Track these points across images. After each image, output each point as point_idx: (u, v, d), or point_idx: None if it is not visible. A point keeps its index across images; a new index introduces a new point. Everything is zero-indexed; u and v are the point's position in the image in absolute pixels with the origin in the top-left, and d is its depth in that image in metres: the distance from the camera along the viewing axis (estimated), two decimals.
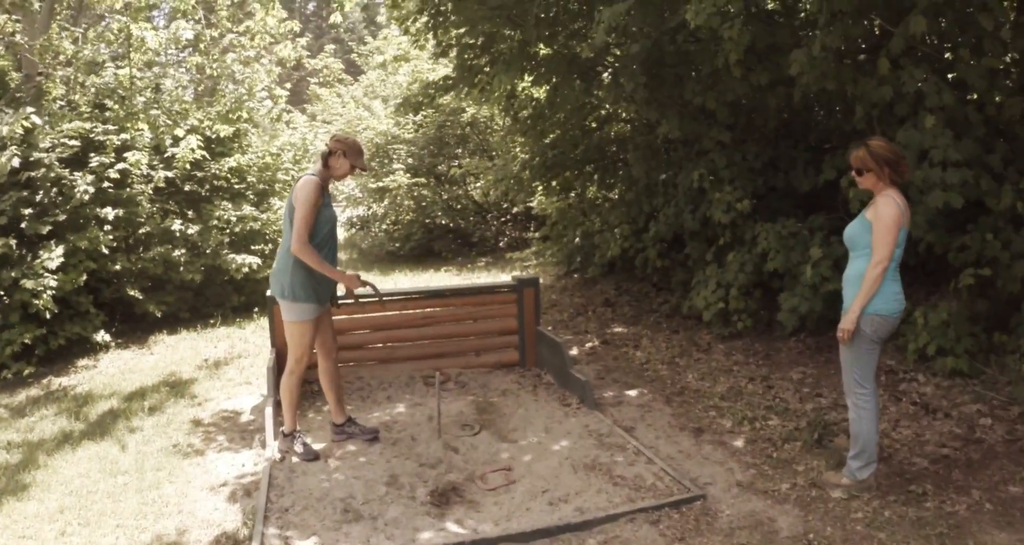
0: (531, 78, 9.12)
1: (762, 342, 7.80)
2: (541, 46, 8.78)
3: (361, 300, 5.85)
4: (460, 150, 16.88)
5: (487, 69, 8.92)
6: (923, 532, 4.30)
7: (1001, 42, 5.79)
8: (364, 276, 5.61)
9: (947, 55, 6.36)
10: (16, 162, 8.19)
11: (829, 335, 7.33)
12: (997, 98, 5.93)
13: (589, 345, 8.42)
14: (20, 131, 8.34)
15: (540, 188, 12.48)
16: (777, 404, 6.24)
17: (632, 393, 6.78)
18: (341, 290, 5.69)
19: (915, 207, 5.89)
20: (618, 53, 8.61)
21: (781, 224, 7.43)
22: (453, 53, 9.38)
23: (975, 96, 6.20)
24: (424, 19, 9.68)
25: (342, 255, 17.33)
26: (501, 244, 16.49)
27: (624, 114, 10.26)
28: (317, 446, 5.60)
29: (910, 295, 4.67)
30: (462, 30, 8.99)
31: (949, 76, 6.27)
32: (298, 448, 5.45)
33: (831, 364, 6.93)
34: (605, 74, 8.90)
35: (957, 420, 5.68)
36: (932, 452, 5.26)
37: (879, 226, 4.46)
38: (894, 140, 5.85)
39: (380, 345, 7.27)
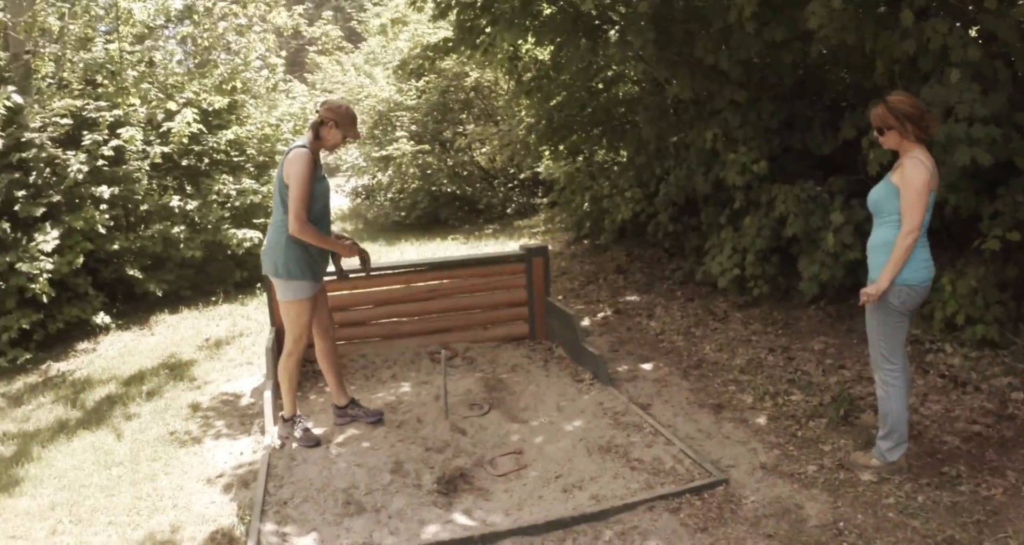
0: (534, 38, 8.76)
1: (780, 310, 7.51)
2: (544, 4, 8.43)
3: (350, 275, 5.59)
4: (464, 115, 16.54)
5: (488, 30, 8.58)
6: (959, 519, 4.03)
7: None
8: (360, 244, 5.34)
9: (970, 7, 5.98)
10: None
11: (851, 302, 7.06)
12: None
13: (601, 315, 8.16)
14: (2, 111, 8.06)
15: (547, 152, 12.17)
16: (799, 377, 5.97)
17: (647, 367, 6.52)
18: (346, 263, 5.43)
19: (941, 167, 5.56)
20: (622, 11, 8.26)
21: (799, 187, 7.11)
22: (453, 14, 9.02)
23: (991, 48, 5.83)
24: None
25: (348, 226, 17.13)
26: (509, 210, 16.19)
27: (632, 74, 9.91)
28: (319, 430, 5.37)
29: (934, 260, 4.36)
30: None
31: (973, 29, 5.91)
32: (298, 434, 5.21)
33: (854, 333, 6.65)
34: (612, 31, 8.53)
35: (988, 394, 5.40)
36: (963, 429, 4.99)
37: (908, 192, 4.14)
38: (918, 97, 5.51)
39: (384, 320, 7.01)
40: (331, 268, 5.28)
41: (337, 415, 5.54)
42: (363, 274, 5.54)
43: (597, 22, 8.44)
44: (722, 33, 7.08)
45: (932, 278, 4.35)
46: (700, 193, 8.38)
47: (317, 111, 5.02)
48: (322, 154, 5.12)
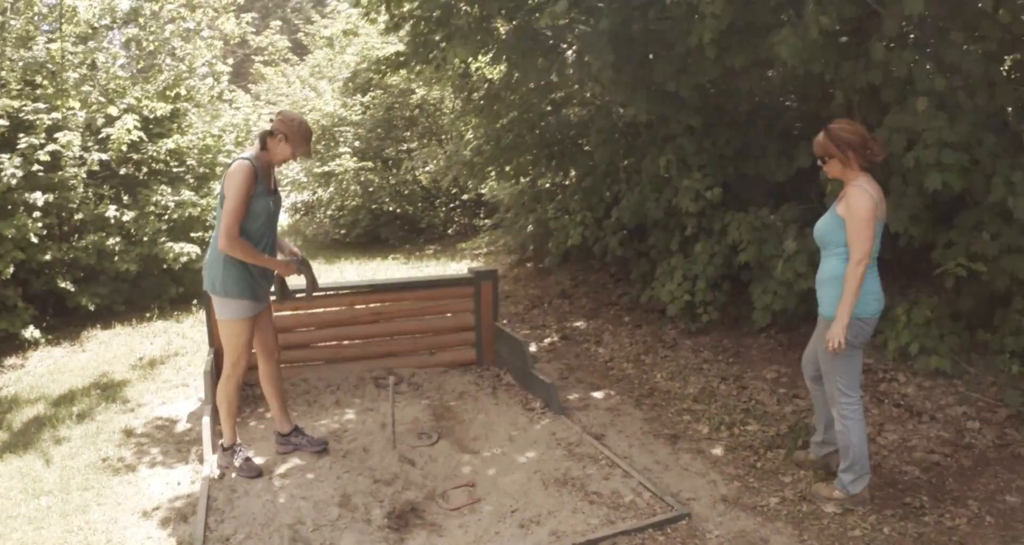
0: (488, 56, 8.62)
1: (731, 338, 7.44)
2: (500, 23, 8.29)
3: (295, 295, 5.35)
4: (408, 133, 16.35)
5: (442, 45, 8.42)
6: None
7: (1000, 25, 5.37)
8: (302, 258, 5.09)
9: (931, 40, 5.98)
10: None
11: (802, 330, 7.01)
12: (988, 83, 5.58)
13: (548, 341, 8.02)
14: None
15: (493, 173, 12.02)
16: (754, 407, 5.89)
17: (598, 395, 6.39)
18: (290, 282, 5.18)
19: (902, 198, 5.54)
20: (580, 30, 8.15)
21: (753, 214, 7.06)
22: (406, 28, 8.84)
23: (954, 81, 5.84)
24: None
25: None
26: (450, 231, 16.03)
27: (588, 95, 9.81)
28: (260, 460, 5.11)
29: (884, 290, 4.32)
30: (416, 3, 8.46)
31: (931, 63, 5.91)
32: (238, 463, 4.94)
33: None
34: (569, 52, 8.42)
35: (943, 423, 5.38)
36: (922, 459, 4.96)
37: (854, 222, 4.08)
38: (879, 126, 5.48)
39: (326, 343, 6.78)
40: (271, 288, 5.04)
41: (280, 443, 5.29)
42: (304, 295, 5.28)
43: (555, 41, 8.32)
44: (681, 57, 7.00)
45: (883, 309, 4.30)
46: (651, 218, 8.29)
47: (271, 120, 4.75)
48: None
